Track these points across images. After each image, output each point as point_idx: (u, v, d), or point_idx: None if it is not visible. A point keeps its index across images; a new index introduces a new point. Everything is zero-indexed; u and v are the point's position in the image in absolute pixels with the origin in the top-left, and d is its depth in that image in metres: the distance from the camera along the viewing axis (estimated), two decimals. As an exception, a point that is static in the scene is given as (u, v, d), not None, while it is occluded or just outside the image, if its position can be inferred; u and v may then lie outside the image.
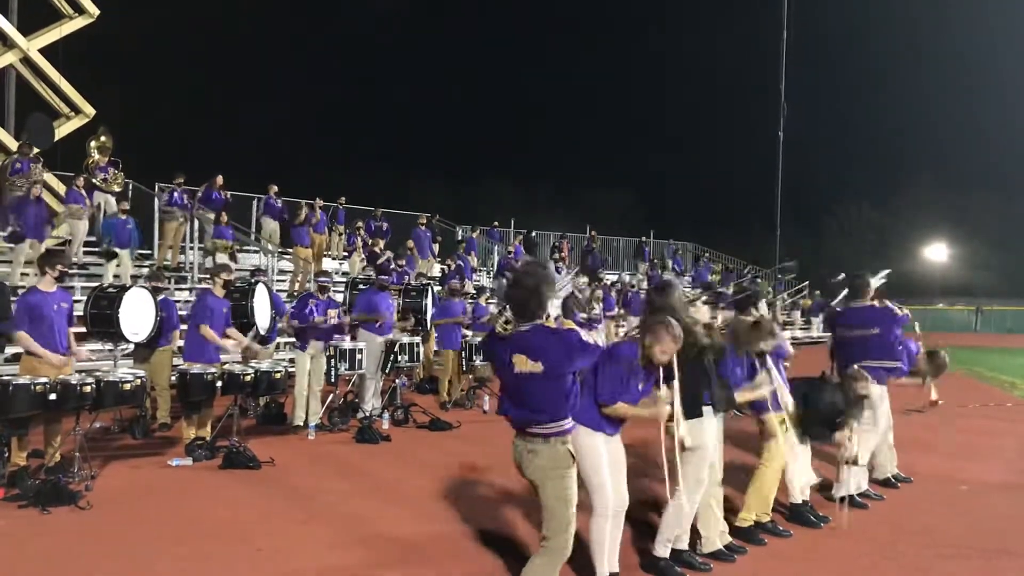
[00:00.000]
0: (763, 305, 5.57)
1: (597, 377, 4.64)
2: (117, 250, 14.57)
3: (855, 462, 6.69)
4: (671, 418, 4.66)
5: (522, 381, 4.09)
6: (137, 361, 9.73)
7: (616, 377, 4.61)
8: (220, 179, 17.36)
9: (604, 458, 4.68)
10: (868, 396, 6.57)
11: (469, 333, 12.66)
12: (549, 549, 4.13)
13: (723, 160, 62.05)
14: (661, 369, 4.58)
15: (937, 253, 50.38)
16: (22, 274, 13.32)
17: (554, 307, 4.18)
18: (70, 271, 7.83)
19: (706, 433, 5.16)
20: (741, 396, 5.70)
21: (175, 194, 16.30)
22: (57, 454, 7.28)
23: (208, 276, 9.99)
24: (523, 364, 4.05)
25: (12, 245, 13.61)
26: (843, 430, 6.29)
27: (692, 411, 5.10)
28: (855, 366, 6.66)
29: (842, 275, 9.38)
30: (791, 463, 6.39)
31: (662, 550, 5.23)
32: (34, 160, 15.14)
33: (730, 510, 6.02)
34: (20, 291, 12.87)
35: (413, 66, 65.35)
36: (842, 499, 6.53)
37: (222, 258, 15.37)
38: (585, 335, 4.08)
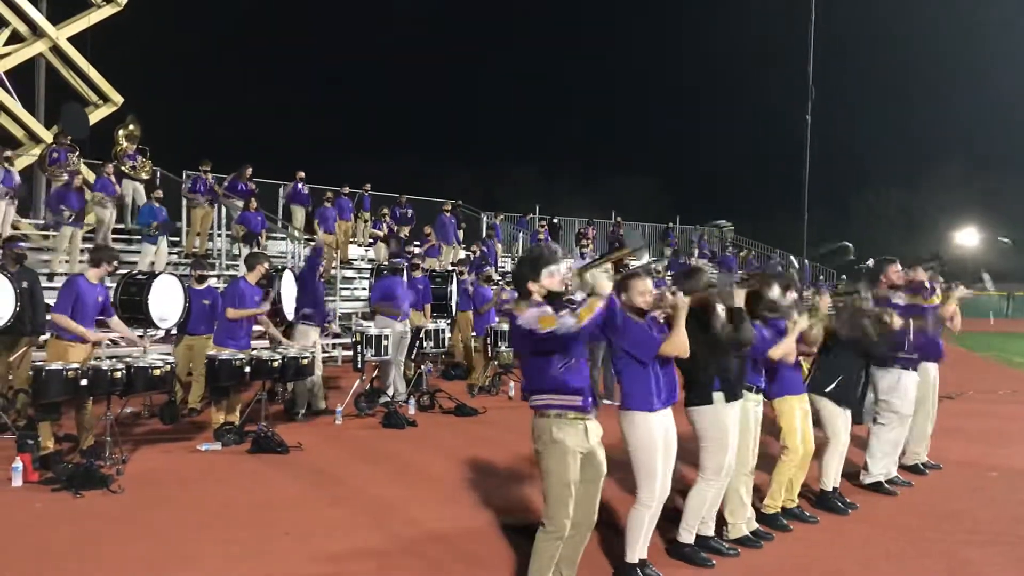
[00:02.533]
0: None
1: (627, 350, 4.65)
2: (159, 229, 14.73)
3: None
4: None
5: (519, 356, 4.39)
6: (175, 347, 9.83)
7: (640, 332, 4.64)
8: (249, 170, 17.40)
9: (658, 447, 4.65)
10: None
11: (497, 319, 12.69)
12: (544, 528, 4.18)
13: (751, 144, 61.57)
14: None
15: (968, 238, 49.69)
16: (64, 261, 13.53)
17: (548, 283, 4.17)
18: (117, 270, 8.00)
19: (722, 420, 5.12)
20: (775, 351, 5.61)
21: (198, 181, 16.41)
22: (90, 438, 7.41)
23: (244, 263, 10.05)
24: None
25: (56, 232, 13.84)
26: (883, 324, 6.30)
27: (701, 398, 5.11)
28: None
29: (871, 261, 9.28)
30: (831, 449, 6.38)
31: (687, 536, 5.24)
32: (70, 149, 15.34)
33: (758, 496, 6.01)
34: (56, 279, 13.18)
35: (438, 54, 65.28)
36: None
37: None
38: (523, 318, 4.02)
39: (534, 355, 4.17)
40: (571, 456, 4.12)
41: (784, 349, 5.60)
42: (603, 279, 4.07)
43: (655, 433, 4.63)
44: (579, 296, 4.16)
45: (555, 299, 4.17)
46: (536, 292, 4.15)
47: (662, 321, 4.76)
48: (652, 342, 4.63)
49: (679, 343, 4.62)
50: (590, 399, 4.21)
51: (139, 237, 15.31)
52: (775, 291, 5.65)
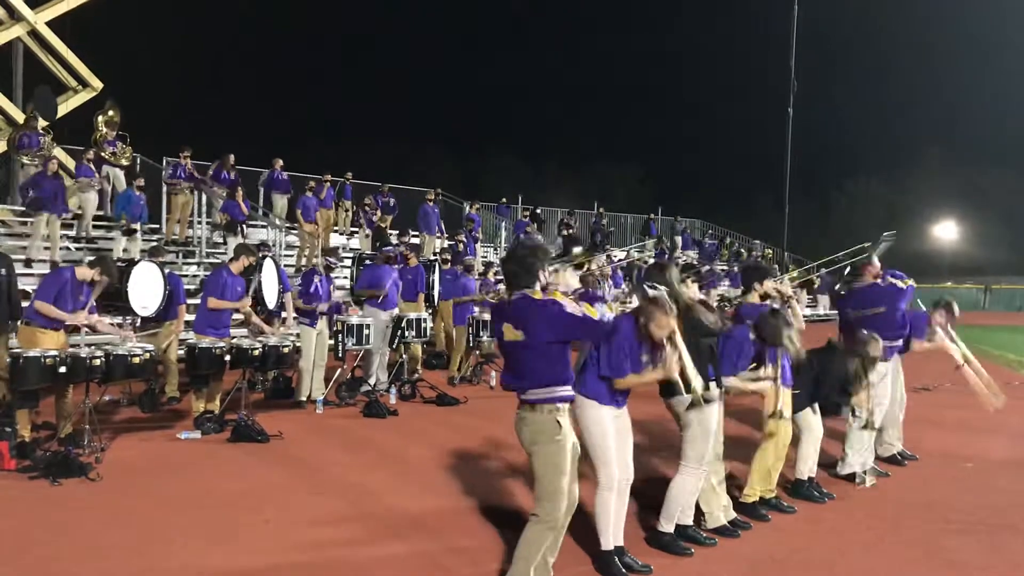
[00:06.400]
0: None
1: (600, 352, 4.65)
2: (135, 226, 14.66)
3: (871, 427, 6.78)
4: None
5: (510, 349, 4.20)
6: (144, 335, 9.76)
7: (619, 350, 4.61)
8: (232, 158, 17.29)
9: (610, 431, 4.70)
10: (878, 357, 6.57)
11: (477, 309, 12.68)
12: (538, 519, 4.15)
13: (732, 136, 61.80)
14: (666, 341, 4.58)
15: (946, 231, 50.08)
16: (45, 248, 13.42)
17: (547, 277, 4.21)
18: (109, 287, 7.95)
19: (704, 409, 5.07)
20: (739, 383, 5.58)
21: (179, 168, 16.29)
22: (69, 426, 7.36)
23: (227, 252, 10.05)
24: (509, 333, 4.14)
25: (31, 219, 13.71)
26: (857, 394, 6.35)
27: (673, 388, 5.01)
28: (865, 332, 6.63)
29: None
30: (806, 439, 6.42)
31: (666, 525, 5.27)
32: (42, 133, 15.18)
33: (737, 486, 6.06)
34: (36, 265, 13.08)
35: (421, 40, 65.05)
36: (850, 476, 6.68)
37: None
38: (570, 307, 4.04)
39: (553, 344, 4.06)
40: (571, 447, 4.15)
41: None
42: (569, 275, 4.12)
43: (604, 415, 4.68)
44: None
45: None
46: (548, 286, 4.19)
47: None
48: (621, 369, 4.62)
49: (636, 383, 4.62)
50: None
51: (121, 224, 15.20)
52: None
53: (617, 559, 4.80)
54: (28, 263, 13.19)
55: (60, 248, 13.69)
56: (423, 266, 13.22)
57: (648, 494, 5.66)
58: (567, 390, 4.15)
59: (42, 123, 15.54)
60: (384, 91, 64.39)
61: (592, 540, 4.97)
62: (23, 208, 15.30)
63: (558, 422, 4.10)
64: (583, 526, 5.19)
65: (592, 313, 4.06)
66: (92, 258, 7.98)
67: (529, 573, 4.21)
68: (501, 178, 45.18)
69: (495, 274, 14.15)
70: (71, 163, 15.71)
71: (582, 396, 4.68)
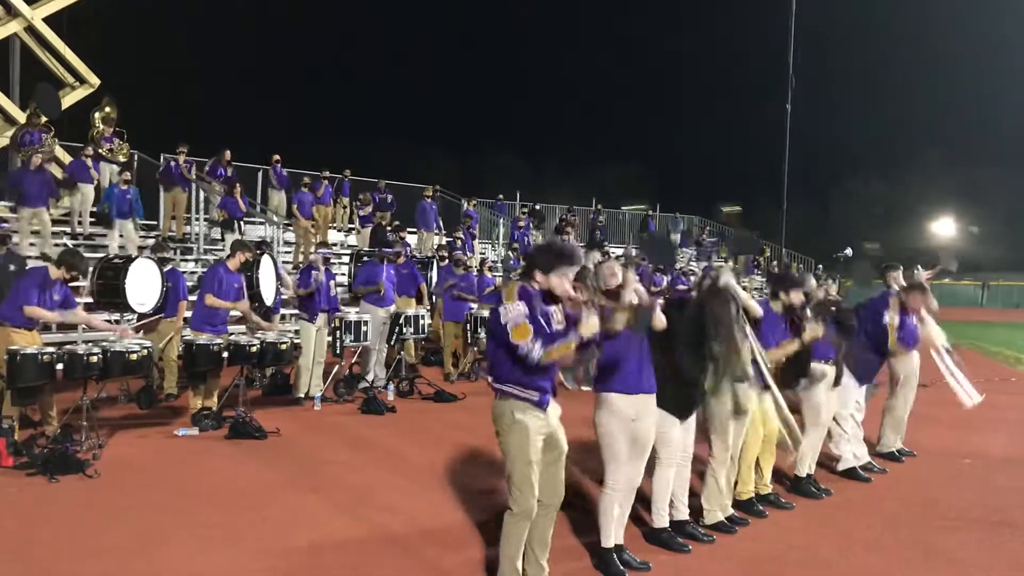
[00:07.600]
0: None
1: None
2: (117, 220, 14.56)
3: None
4: None
5: None
6: (144, 332, 9.75)
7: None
8: (228, 154, 17.26)
9: (621, 432, 4.66)
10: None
11: (475, 306, 12.66)
12: (511, 509, 4.23)
13: (732, 134, 61.81)
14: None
15: (944, 227, 50.10)
16: (31, 244, 13.35)
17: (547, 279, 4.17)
18: (79, 280, 7.87)
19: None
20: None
21: (172, 164, 16.22)
22: (55, 423, 7.31)
23: (224, 249, 9.99)
24: None
25: (16, 215, 13.64)
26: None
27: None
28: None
29: (848, 249, 9.34)
30: (808, 436, 6.41)
31: (660, 520, 5.27)
32: (45, 130, 15.13)
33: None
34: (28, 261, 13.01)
35: (421, 39, 64.99)
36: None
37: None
38: (511, 316, 4.02)
39: (500, 347, 4.15)
40: (533, 436, 4.17)
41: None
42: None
43: (619, 417, 4.65)
44: (586, 314, 4.02)
45: (553, 300, 4.18)
46: (539, 284, 4.15)
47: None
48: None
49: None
50: (548, 396, 4.21)
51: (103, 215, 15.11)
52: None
53: (616, 556, 4.80)
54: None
55: (54, 244, 13.63)
56: (411, 262, 13.17)
57: (645, 490, 5.65)
58: (529, 393, 4.16)
59: (43, 119, 15.48)
60: (384, 89, 64.34)
61: (589, 536, 4.97)
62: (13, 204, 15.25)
63: (516, 410, 4.17)
64: (582, 521, 5.20)
65: (519, 335, 3.98)
66: (61, 255, 7.79)
67: (517, 569, 4.23)
68: (500, 175, 45.14)
69: (490, 268, 14.15)
70: (68, 159, 15.65)
71: (596, 392, 4.73)
